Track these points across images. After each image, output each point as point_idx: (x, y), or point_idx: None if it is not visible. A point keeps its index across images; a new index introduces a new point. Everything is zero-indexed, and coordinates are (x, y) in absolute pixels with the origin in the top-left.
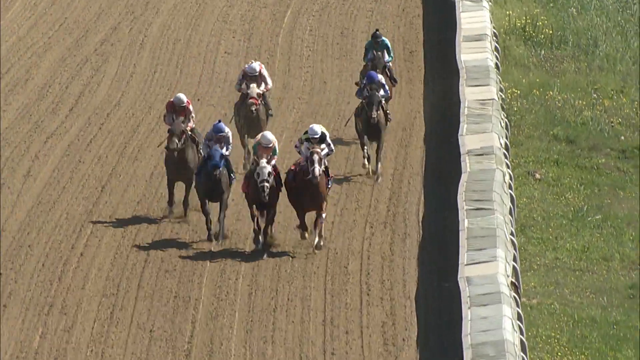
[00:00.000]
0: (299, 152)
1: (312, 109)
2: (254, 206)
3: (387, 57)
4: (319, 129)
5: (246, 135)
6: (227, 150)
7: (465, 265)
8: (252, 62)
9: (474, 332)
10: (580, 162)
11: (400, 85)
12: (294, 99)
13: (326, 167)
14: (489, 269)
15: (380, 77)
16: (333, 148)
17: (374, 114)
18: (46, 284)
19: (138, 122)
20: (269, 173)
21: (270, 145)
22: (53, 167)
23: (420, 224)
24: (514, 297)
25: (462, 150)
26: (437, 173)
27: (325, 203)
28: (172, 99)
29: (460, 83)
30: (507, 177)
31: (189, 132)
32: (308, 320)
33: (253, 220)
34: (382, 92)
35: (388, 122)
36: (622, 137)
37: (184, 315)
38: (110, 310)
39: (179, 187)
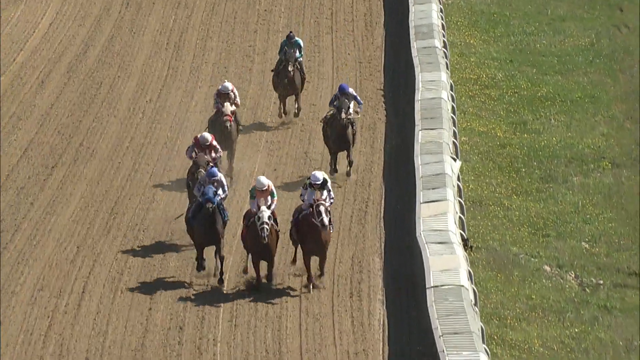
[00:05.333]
0: (302, 199)
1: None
2: (254, 257)
3: (297, 55)
4: (321, 175)
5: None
6: (223, 193)
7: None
8: (225, 82)
9: (416, 19)
10: None
11: None
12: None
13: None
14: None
15: (351, 90)
16: (333, 196)
17: (343, 115)
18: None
19: None
20: (269, 217)
21: (265, 188)
22: None
23: None
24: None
25: None
26: None
27: (327, 249)
28: (198, 136)
29: None
30: None
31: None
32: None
33: (255, 270)
34: (351, 105)
35: (355, 136)
36: None
37: None
38: (204, 41)
39: None
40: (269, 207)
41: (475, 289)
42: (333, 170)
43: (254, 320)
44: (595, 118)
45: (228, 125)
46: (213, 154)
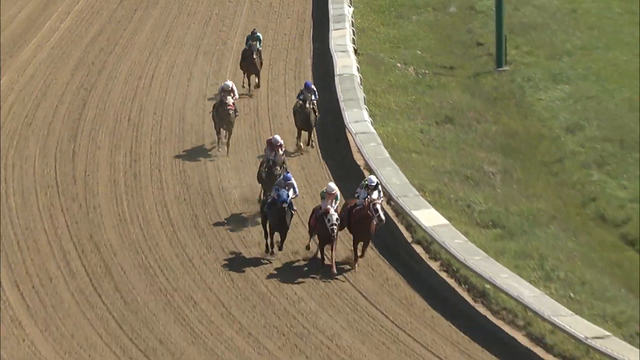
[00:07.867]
0: (357, 196)
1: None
2: (321, 243)
3: (259, 45)
4: (375, 179)
5: (220, 129)
6: (294, 193)
7: None
8: (227, 81)
9: None
10: None
11: None
12: None
13: None
14: None
15: (313, 87)
16: (382, 196)
17: (308, 106)
18: None
19: None
20: (337, 219)
21: (334, 192)
22: None
23: None
24: None
25: None
26: None
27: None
28: (270, 138)
29: None
30: None
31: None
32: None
33: (321, 252)
34: (314, 97)
35: (317, 117)
36: None
37: None
38: None
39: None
40: (336, 210)
41: (360, 76)
42: (298, 143)
43: None
44: None
45: (230, 112)
46: (281, 152)
